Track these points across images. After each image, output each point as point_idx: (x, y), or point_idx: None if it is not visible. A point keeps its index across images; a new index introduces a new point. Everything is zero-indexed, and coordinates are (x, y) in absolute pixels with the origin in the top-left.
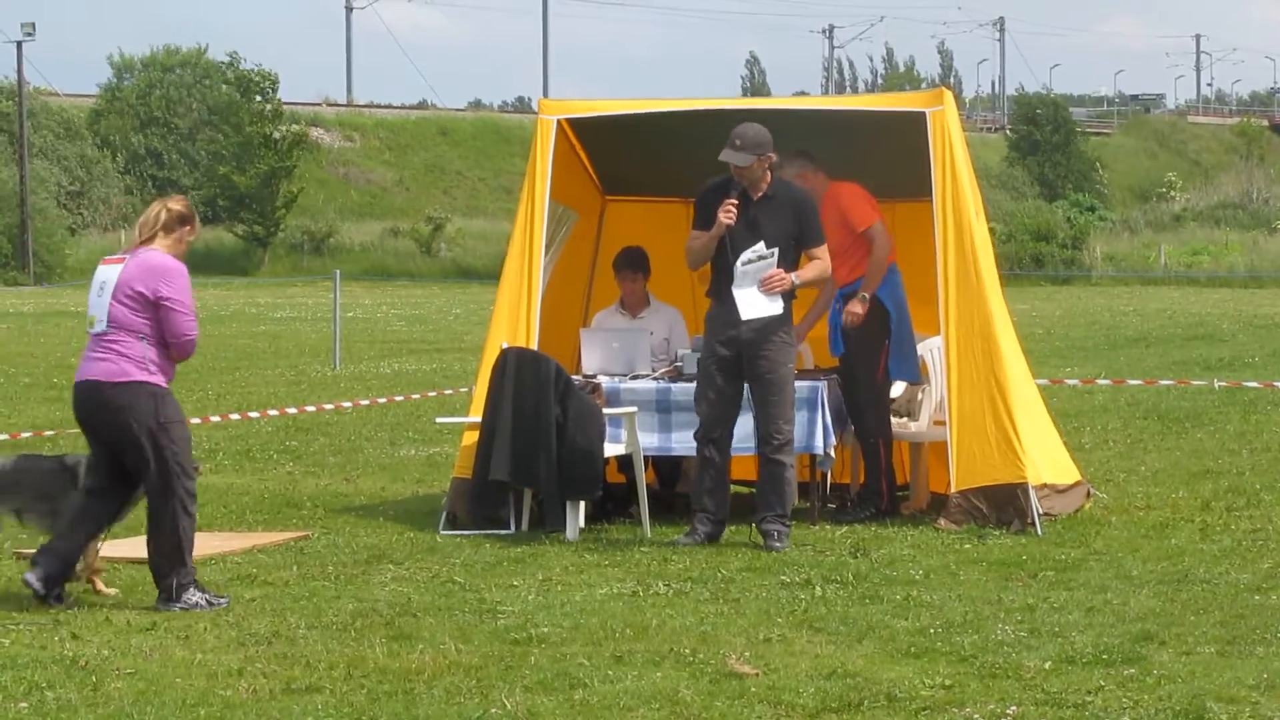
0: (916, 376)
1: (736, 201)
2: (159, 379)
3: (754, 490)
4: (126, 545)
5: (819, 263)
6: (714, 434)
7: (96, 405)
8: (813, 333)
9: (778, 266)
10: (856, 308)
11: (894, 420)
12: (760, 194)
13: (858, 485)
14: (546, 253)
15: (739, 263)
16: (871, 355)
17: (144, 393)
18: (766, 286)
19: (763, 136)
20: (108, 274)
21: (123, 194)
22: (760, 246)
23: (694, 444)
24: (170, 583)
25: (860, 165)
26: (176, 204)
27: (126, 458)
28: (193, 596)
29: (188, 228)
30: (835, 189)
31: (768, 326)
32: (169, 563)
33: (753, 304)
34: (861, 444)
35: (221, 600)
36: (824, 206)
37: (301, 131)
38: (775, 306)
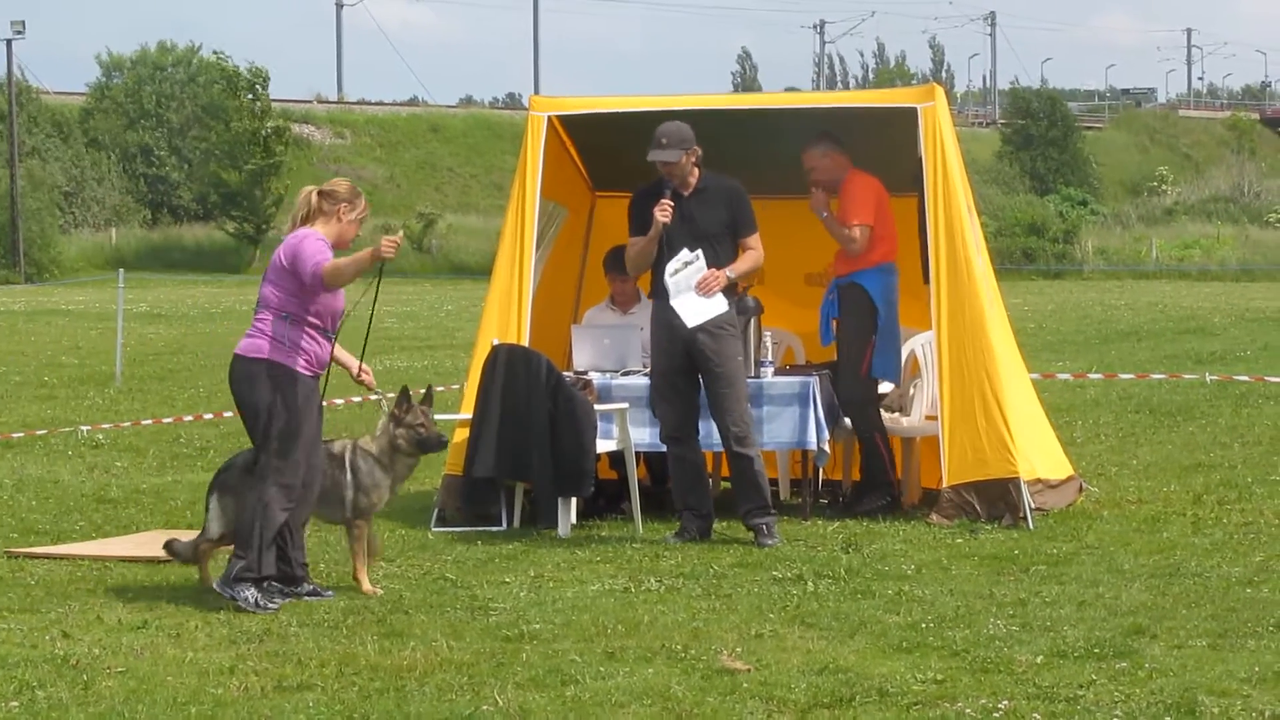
0: (896, 378)
1: (671, 202)
2: (293, 361)
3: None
4: (117, 545)
5: (753, 253)
6: (678, 433)
7: (232, 376)
8: (804, 328)
9: (710, 264)
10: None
11: (886, 416)
12: (690, 190)
13: (849, 482)
14: (537, 249)
15: (666, 275)
16: (856, 350)
17: (270, 370)
18: (704, 289)
19: (686, 132)
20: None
21: (119, 194)
22: (684, 253)
23: None
24: (234, 565)
25: (852, 160)
26: (327, 185)
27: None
28: (244, 591)
29: (342, 205)
30: (851, 176)
31: (714, 320)
32: (239, 542)
33: (694, 310)
34: (859, 439)
35: (272, 606)
36: (841, 190)
37: (283, 125)
38: (719, 305)
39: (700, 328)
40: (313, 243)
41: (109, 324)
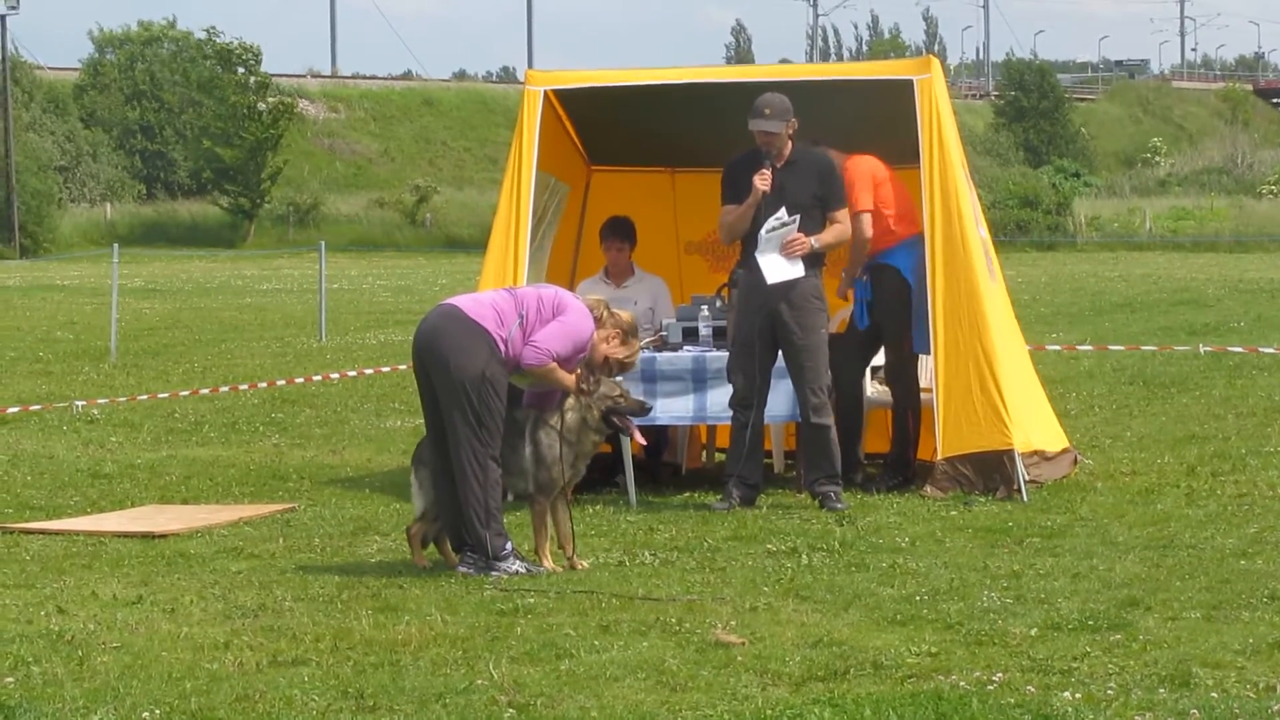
0: (927, 349)
1: (769, 171)
2: (504, 353)
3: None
4: (111, 520)
5: (838, 226)
6: (747, 400)
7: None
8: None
9: (800, 231)
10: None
11: (877, 389)
12: (784, 160)
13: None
14: (539, 226)
15: (762, 230)
16: (900, 327)
17: (487, 342)
18: (787, 251)
19: (787, 104)
20: None
21: (114, 169)
22: (782, 213)
23: (680, 414)
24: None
25: (846, 133)
26: (619, 312)
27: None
28: (512, 565)
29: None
30: (847, 164)
31: (800, 292)
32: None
33: (776, 268)
34: (892, 414)
35: (539, 569)
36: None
37: (289, 102)
38: (797, 269)
39: (787, 300)
40: (571, 338)
41: (104, 299)
